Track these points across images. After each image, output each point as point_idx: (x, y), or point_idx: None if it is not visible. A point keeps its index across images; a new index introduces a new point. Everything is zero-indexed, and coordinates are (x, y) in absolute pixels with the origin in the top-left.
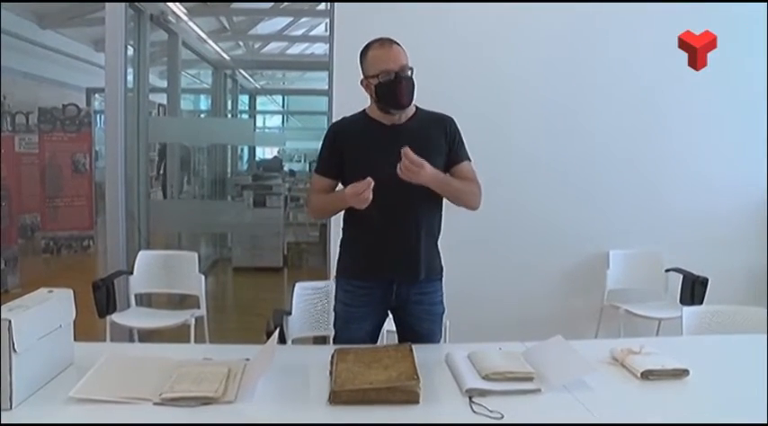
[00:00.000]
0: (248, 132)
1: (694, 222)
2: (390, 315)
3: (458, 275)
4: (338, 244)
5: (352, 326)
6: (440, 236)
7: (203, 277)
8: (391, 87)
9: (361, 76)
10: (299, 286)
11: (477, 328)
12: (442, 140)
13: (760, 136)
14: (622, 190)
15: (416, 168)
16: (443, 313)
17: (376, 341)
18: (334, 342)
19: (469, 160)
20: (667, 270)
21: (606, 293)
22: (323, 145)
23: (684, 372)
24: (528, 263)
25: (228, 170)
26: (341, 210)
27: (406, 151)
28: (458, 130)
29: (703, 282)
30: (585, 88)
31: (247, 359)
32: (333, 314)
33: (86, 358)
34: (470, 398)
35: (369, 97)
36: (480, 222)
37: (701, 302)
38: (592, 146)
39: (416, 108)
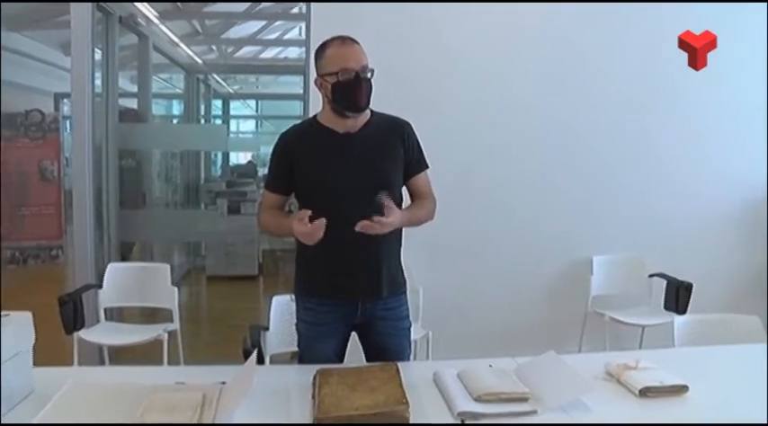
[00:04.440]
0: (222, 137)
1: (677, 227)
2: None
3: (439, 284)
4: None
5: (317, 345)
6: (401, 248)
7: (176, 289)
8: (350, 87)
9: (315, 76)
10: (276, 300)
11: (461, 338)
12: (399, 148)
13: (743, 142)
14: (605, 195)
15: (385, 224)
16: (410, 327)
17: (343, 359)
18: (300, 363)
19: (427, 167)
20: (651, 276)
21: (590, 300)
22: (272, 158)
23: (684, 388)
24: (511, 271)
25: (202, 176)
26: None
27: (363, 224)
28: (415, 136)
29: (687, 288)
30: (570, 94)
31: (223, 383)
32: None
33: (48, 384)
34: (463, 422)
35: (322, 100)
36: (462, 230)
37: (685, 307)
38: (575, 153)
39: (371, 112)
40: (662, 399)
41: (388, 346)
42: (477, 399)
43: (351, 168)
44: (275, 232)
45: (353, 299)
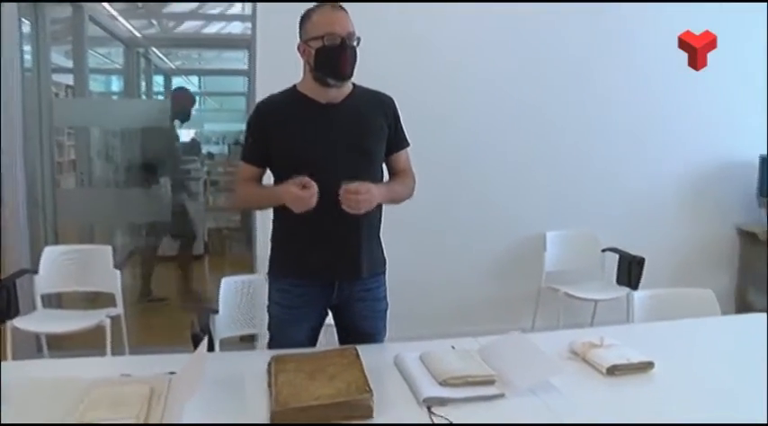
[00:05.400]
0: (165, 114)
1: (629, 202)
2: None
3: (393, 262)
4: (263, 230)
5: (290, 329)
6: (381, 227)
7: (119, 272)
8: (335, 53)
9: (299, 41)
10: (225, 281)
11: (416, 315)
12: (382, 123)
13: (691, 118)
14: (558, 171)
15: (363, 197)
16: (387, 309)
17: (315, 343)
18: (270, 347)
19: (408, 145)
20: (604, 251)
21: (544, 275)
22: (249, 128)
23: (650, 365)
24: (465, 248)
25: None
26: (271, 207)
27: (346, 187)
28: (398, 112)
29: (639, 262)
30: (521, 70)
31: (172, 373)
32: (265, 313)
33: None
34: (429, 408)
35: (303, 69)
36: (413, 208)
37: (637, 282)
38: (528, 130)
39: (354, 85)
40: (629, 376)
41: (364, 328)
42: (443, 383)
43: (333, 140)
44: (256, 203)
45: (331, 280)
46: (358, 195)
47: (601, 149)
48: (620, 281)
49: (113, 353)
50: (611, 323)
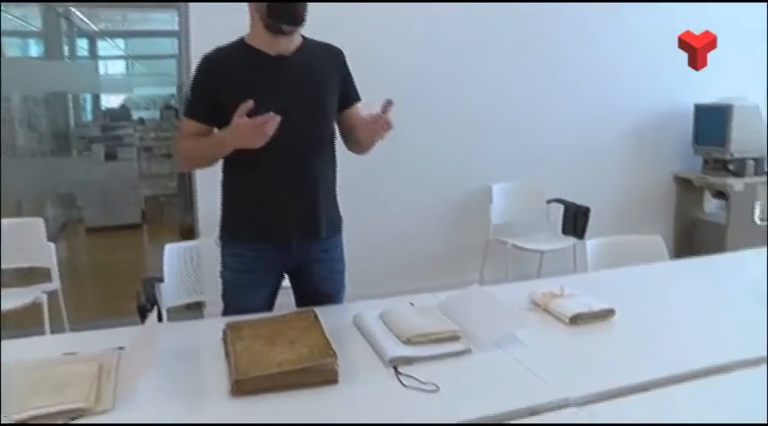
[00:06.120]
0: (91, 78)
1: (573, 153)
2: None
3: None
4: (204, 194)
5: (245, 295)
6: (336, 185)
7: (53, 245)
8: None
9: None
10: (168, 248)
11: (364, 272)
12: (334, 76)
13: (631, 69)
14: (503, 123)
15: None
16: (344, 269)
17: (272, 309)
18: (225, 315)
19: (359, 99)
20: (549, 202)
21: (491, 227)
22: (194, 82)
23: (611, 312)
24: (411, 202)
25: (72, 122)
26: (219, 158)
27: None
28: (348, 65)
29: (585, 212)
30: (464, 24)
31: (121, 348)
32: (213, 279)
33: None
34: (396, 369)
35: (251, 21)
36: (354, 162)
37: (583, 231)
38: (471, 81)
39: (303, 38)
40: (592, 325)
41: (324, 289)
42: (407, 342)
43: (285, 94)
44: (202, 156)
45: (288, 241)
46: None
47: (544, 101)
48: (565, 231)
49: (53, 331)
50: (558, 274)
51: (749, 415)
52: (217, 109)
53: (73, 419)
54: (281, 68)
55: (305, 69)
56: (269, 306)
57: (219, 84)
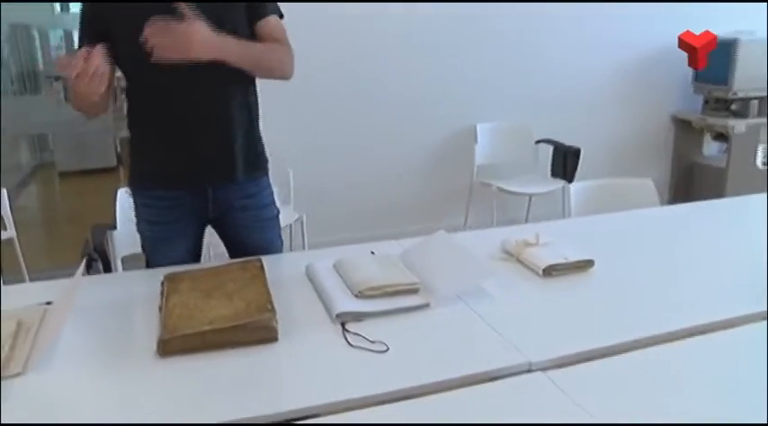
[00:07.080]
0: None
1: (563, 91)
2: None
3: (312, 163)
4: None
5: (163, 248)
6: (259, 117)
7: (5, 191)
8: None
9: None
10: (121, 193)
11: (340, 219)
12: None
13: (623, 8)
14: (488, 58)
15: (183, 35)
16: (278, 215)
17: (199, 259)
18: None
19: (278, 14)
20: (537, 142)
21: (475, 170)
22: (82, 17)
23: (589, 263)
24: (389, 144)
25: (40, 60)
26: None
27: (153, 23)
28: None
29: (575, 153)
30: None
31: (49, 303)
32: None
33: None
34: (343, 325)
35: None
36: (336, 101)
37: (573, 174)
38: (454, 17)
39: None
40: (568, 277)
41: (253, 241)
42: (359, 295)
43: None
44: (75, 101)
45: (200, 186)
46: (170, 31)
47: (534, 36)
48: (554, 174)
49: (6, 282)
50: (546, 218)
51: (735, 380)
52: (107, 34)
53: None
54: None
55: None
56: (194, 258)
57: (110, 16)
